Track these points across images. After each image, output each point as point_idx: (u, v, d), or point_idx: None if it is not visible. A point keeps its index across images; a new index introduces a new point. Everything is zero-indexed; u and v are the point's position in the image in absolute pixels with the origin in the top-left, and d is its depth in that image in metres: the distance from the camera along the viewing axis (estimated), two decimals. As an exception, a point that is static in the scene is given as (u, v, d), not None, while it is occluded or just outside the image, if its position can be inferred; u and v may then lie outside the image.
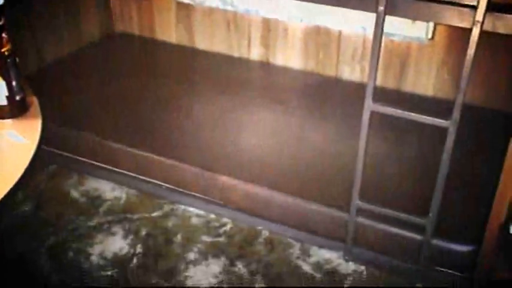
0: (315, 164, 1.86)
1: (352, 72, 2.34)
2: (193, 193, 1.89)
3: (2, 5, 0.97)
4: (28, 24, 2.29)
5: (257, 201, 1.79)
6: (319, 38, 2.34)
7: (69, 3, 2.48)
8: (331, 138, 2.00)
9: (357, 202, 1.59)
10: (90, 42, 2.63)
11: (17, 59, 1.09)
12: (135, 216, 1.88)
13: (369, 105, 1.48)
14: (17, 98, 1.04)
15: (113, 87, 2.30)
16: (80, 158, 2.03)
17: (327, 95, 2.28)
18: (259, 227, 1.82)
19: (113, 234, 1.80)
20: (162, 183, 1.93)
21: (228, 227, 1.84)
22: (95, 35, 2.66)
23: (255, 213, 1.82)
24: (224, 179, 1.81)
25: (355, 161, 1.55)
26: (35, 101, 1.10)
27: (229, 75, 2.44)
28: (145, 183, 1.96)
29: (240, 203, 1.82)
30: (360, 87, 2.02)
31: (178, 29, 2.62)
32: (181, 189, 1.91)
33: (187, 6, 2.52)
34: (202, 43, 2.60)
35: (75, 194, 1.97)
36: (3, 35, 0.98)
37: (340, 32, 2.29)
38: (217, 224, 1.85)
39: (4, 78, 1.01)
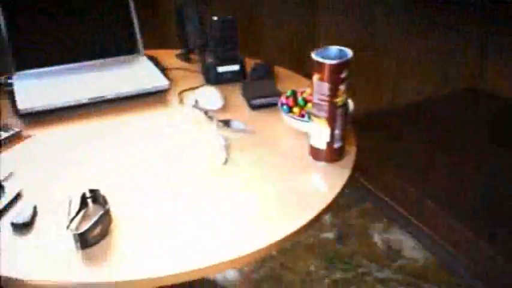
0: None
1: None
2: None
3: (350, 58, 1.01)
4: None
5: None
6: None
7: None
8: None
9: None
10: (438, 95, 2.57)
11: (349, 109, 1.15)
12: (425, 286, 1.77)
13: None
14: (335, 146, 1.09)
15: (450, 143, 2.20)
16: (392, 204, 2.03)
17: None
18: None
19: (397, 295, 1.75)
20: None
21: None
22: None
23: None
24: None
25: None
26: (353, 151, 1.13)
27: None
28: (448, 253, 1.82)
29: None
30: None
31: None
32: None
33: None
34: None
35: (377, 238, 1.98)
36: (341, 86, 1.03)
37: None
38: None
39: (330, 126, 1.06)
